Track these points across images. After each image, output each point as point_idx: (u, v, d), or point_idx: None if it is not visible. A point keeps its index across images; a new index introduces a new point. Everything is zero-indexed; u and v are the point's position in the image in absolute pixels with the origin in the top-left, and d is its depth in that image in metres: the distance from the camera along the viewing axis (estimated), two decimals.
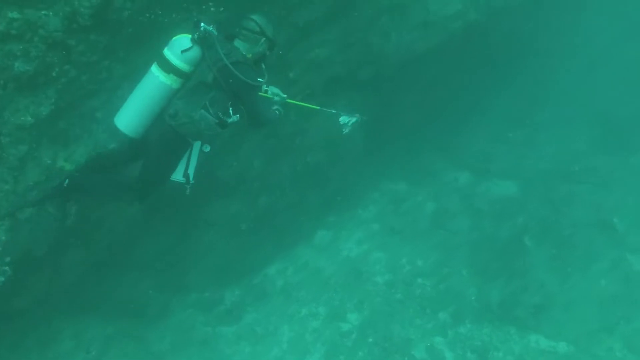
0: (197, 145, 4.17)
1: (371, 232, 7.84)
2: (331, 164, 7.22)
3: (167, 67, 3.78)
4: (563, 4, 9.73)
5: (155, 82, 3.81)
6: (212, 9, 4.65)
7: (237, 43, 4.03)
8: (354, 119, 4.66)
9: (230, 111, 3.91)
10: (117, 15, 4.08)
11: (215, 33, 3.82)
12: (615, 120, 9.71)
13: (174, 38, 3.86)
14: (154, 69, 3.83)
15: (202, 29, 3.77)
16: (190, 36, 3.80)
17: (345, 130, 4.67)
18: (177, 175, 4.17)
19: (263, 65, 4.15)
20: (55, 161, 4.16)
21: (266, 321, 6.54)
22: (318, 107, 4.63)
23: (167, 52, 3.80)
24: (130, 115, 3.90)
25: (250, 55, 4.00)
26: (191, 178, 4.16)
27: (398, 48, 6.61)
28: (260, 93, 4.16)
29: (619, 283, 6.65)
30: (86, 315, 5.77)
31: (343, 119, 4.63)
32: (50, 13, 3.68)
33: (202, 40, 3.78)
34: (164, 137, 3.93)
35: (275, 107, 4.39)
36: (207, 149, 4.15)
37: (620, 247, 7.04)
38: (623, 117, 9.69)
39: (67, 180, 4.04)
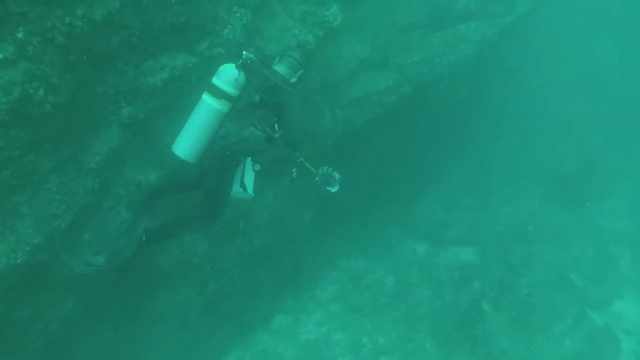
0: (248, 163, 4.47)
1: (331, 313, 7.64)
2: (280, 245, 7.11)
3: (219, 93, 4.18)
4: (493, 71, 10.24)
5: (208, 109, 4.21)
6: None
7: (277, 67, 4.52)
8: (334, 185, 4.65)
9: (276, 127, 4.34)
10: (38, 110, 4.11)
11: (256, 59, 4.27)
12: (562, 175, 10.02)
13: (221, 67, 4.28)
14: (205, 97, 4.22)
15: (244, 56, 4.22)
16: (234, 64, 4.23)
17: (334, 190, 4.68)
18: (235, 189, 4.46)
19: None
20: None
21: None
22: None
23: (217, 81, 4.21)
24: (188, 142, 4.27)
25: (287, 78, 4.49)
26: (249, 190, 4.47)
27: (334, 125, 6.77)
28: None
29: (584, 341, 6.55)
30: None
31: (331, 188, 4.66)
32: None
33: (245, 66, 4.23)
34: (218, 156, 4.26)
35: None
36: (257, 168, 4.43)
37: (580, 303, 7.01)
38: (569, 171, 10.02)
39: (144, 236, 4.31)
